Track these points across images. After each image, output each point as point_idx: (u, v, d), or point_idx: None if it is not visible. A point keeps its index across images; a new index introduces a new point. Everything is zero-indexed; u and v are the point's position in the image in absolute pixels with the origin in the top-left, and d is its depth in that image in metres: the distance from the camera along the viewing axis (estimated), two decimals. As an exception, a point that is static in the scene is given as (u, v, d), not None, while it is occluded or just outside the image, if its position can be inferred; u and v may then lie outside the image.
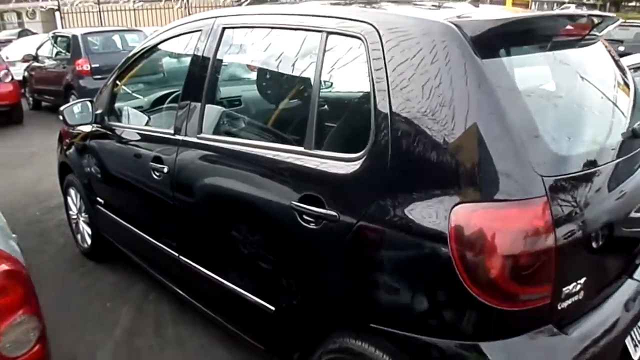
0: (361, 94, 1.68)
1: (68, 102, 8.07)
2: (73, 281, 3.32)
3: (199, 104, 2.16)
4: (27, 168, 6.07)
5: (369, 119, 1.50)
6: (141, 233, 2.64)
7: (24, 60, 10.11)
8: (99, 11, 17.25)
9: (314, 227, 1.61)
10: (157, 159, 2.34)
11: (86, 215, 3.38)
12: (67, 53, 8.63)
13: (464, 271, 1.31)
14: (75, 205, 3.54)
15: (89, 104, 2.90)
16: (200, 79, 2.17)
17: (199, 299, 2.35)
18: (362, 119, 1.55)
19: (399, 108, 1.44)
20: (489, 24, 1.43)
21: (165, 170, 2.27)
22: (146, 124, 2.76)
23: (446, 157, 1.35)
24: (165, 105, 2.87)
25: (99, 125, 2.94)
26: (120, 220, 2.85)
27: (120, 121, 2.88)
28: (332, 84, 1.95)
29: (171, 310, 2.88)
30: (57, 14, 17.79)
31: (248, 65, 2.87)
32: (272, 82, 2.48)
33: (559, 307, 1.39)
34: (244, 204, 1.91)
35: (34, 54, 9.85)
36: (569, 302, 1.41)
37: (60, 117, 2.81)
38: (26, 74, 9.98)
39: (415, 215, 1.38)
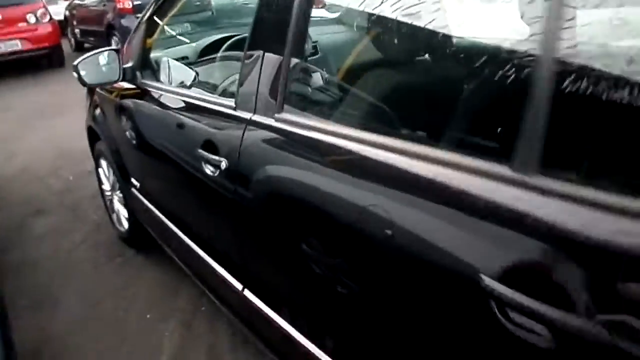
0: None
1: (110, 44, 7.43)
2: (106, 277, 2.68)
3: (278, 63, 1.29)
4: (65, 119, 5.48)
5: None
6: (189, 241, 1.87)
7: (65, -2, 9.49)
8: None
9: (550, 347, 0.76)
10: (210, 146, 1.51)
11: (121, 195, 2.67)
12: (108, -11, 7.87)
13: None
14: (108, 180, 2.84)
15: (114, 54, 2.07)
16: (281, 22, 1.30)
17: (274, 352, 1.59)
18: None
19: None
20: None
21: (223, 165, 1.44)
22: (193, 85, 1.93)
23: None
24: (219, 55, 2.02)
25: (130, 84, 2.14)
26: (161, 217, 2.09)
27: (157, 79, 2.07)
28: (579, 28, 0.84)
29: (229, 328, 2.17)
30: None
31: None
32: (424, 32, 1.23)
33: None
34: (372, 251, 1.06)
35: (74, -10, 9.18)
36: None
37: (75, 74, 2.01)
38: (67, 13, 9.36)
39: None
